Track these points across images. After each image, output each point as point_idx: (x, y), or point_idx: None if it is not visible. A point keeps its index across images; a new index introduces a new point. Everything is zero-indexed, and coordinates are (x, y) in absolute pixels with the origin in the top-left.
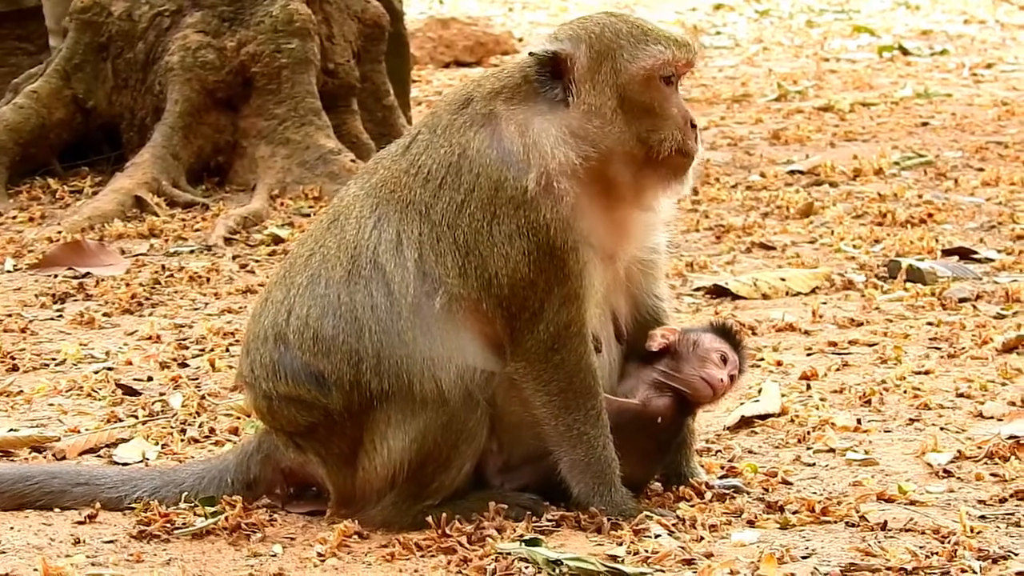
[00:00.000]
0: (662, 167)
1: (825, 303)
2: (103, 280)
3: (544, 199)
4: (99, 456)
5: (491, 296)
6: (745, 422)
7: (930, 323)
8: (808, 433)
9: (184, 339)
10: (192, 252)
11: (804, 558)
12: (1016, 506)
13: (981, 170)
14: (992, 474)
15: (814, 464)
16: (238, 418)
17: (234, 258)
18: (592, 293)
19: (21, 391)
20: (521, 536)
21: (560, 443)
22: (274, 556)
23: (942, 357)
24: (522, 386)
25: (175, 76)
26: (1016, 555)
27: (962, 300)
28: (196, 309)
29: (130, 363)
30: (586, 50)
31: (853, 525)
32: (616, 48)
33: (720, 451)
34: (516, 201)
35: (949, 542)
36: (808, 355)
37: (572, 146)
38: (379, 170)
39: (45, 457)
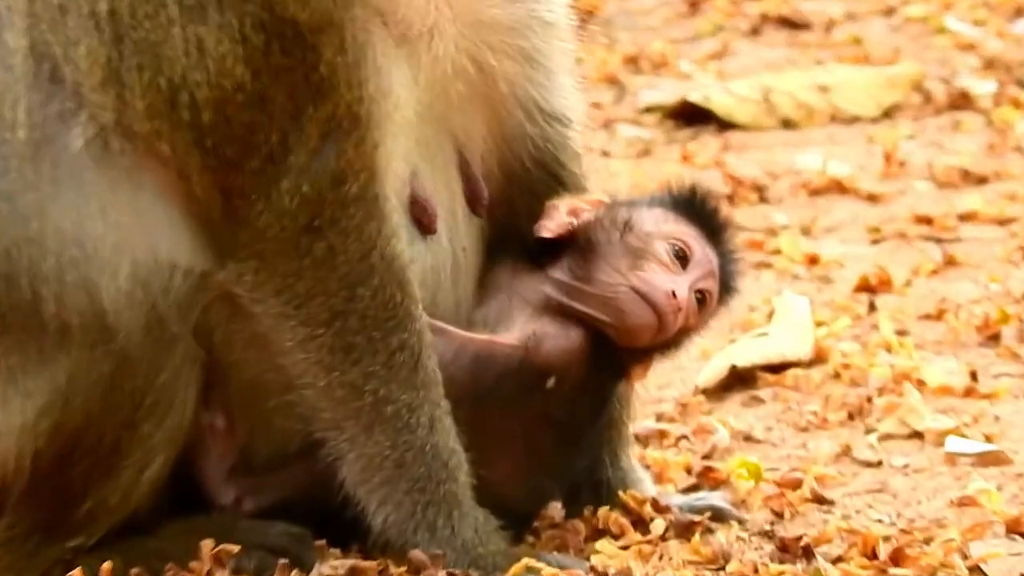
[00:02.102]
0: None
1: (912, 137)
2: None
3: None
4: None
5: (179, 126)
6: (739, 377)
7: None
8: (869, 400)
9: None
10: None
11: None
12: None
13: None
14: None
15: (879, 463)
16: None
17: None
18: (390, 111)
19: None
20: None
21: (341, 422)
22: None
23: None
24: (254, 308)
25: None
26: None
27: None
28: None
29: None
30: None
31: None
32: None
33: (687, 437)
34: None
35: None
36: (874, 243)
37: None
38: None
39: None
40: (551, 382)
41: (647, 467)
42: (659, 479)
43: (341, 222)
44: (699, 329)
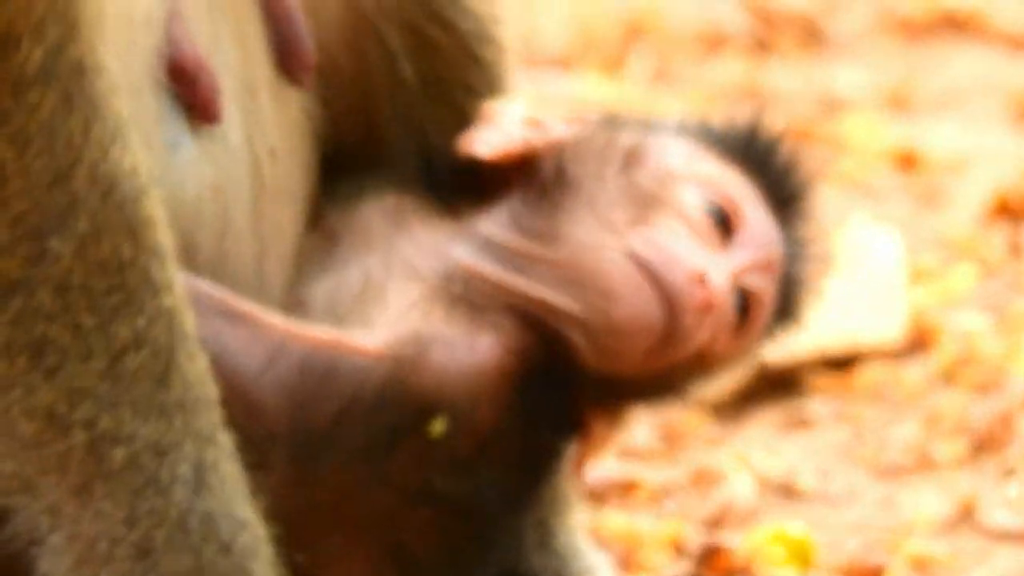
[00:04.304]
0: None
1: None
2: None
3: None
4: None
5: None
6: (772, 380)
7: None
8: (1008, 420)
9: None
10: None
11: None
12: None
13: None
14: None
15: None
16: None
17: None
18: None
19: None
20: None
21: (34, 480)
22: None
23: None
24: None
25: None
26: None
27: None
28: None
29: None
30: None
31: None
32: None
33: (677, 489)
34: None
35: None
36: (1022, 126)
37: None
38: None
39: None
40: (439, 425)
41: (604, 546)
42: (626, 566)
43: (14, 118)
44: (728, 357)
